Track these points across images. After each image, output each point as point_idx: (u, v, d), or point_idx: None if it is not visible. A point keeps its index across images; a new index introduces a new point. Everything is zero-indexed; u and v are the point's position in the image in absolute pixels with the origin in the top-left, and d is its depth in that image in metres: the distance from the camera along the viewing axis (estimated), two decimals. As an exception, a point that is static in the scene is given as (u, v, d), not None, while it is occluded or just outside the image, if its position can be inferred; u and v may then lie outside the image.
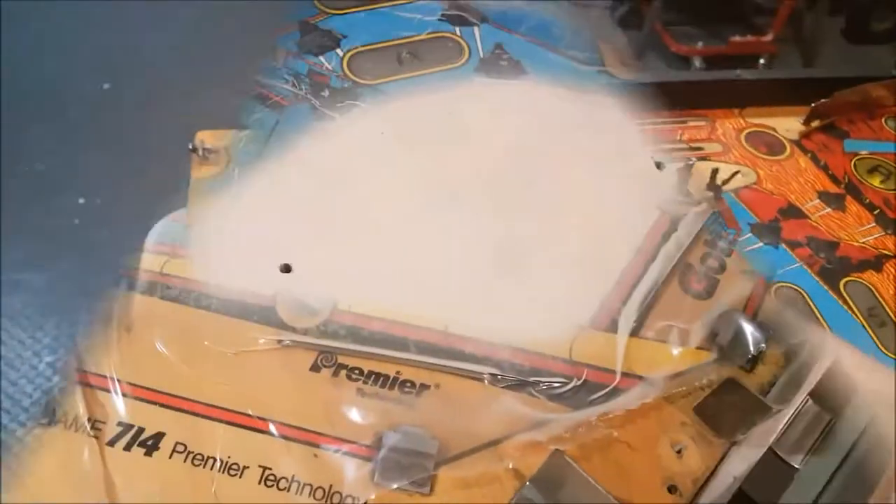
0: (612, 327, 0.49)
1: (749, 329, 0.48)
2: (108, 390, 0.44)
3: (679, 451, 0.45)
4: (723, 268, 0.53)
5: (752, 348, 0.48)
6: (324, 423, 0.44)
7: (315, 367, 0.46)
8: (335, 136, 0.57)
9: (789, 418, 0.46)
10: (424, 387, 0.46)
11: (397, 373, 0.46)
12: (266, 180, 0.54)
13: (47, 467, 0.41)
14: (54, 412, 0.42)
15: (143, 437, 0.42)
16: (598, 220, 0.54)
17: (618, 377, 0.47)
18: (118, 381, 0.44)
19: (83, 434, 0.42)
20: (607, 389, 0.46)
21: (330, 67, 0.61)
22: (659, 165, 0.58)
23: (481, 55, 0.63)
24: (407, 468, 0.42)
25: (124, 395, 0.44)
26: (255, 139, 0.56)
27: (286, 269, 0.50)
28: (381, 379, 0.46)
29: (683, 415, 0.46)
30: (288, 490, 0.41)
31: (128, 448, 0.42)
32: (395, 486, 0.41)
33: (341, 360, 0.46)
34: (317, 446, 0.43)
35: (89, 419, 0.43)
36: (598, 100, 0.62)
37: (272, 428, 0.43)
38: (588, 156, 0.58)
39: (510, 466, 0.43)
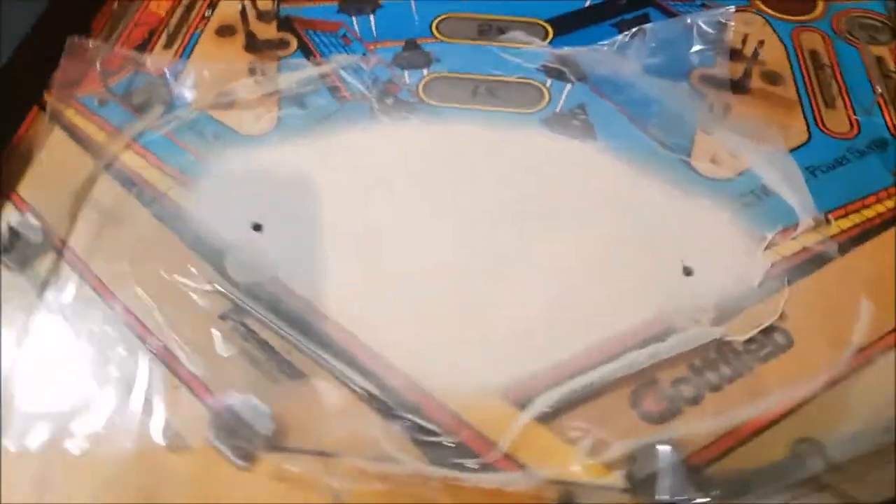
0: (525, 404, 0.43)
1: (675, 474, 0.39)
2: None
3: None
4: (696, 402, 0.44)
5: (668, 495, 0.38)
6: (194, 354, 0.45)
7: (223, 316, 0.47)
8: (381, 140, 0.59)
9: None
10: (301, 374, 0.44)
11: (287, 353, 0.45)
12: (295, 155, 0.57)
13: None
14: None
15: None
16: (581, 297, 0.49)
17: (498, 455, 0.41)
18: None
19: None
20: (477, 460, 0.40)
21: (407, 82, 0.63)
22: (687, 271, 0.50)
23: (557, 109, 0.61)
24: (236, 436, 0.41)
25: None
26: (308, 118, 0.59)
27: (257, 227, 0.52)
28: (269, 351, 0.45)
29: (539, 524, 0.38)
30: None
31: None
32: (218, 444, 0.40)
33: (247, 320, 0.46)
34: (182, 382, 0.44)
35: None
36: (657, 185, 0.55)
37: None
38: (615, 231, 0.53)
39: (331, 483, 0.39)
